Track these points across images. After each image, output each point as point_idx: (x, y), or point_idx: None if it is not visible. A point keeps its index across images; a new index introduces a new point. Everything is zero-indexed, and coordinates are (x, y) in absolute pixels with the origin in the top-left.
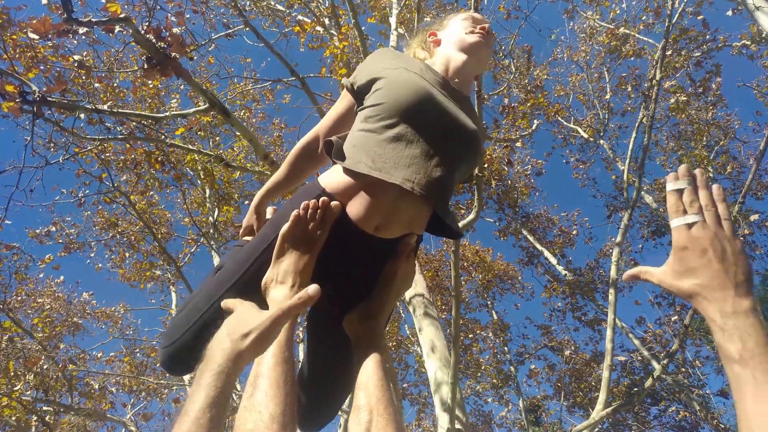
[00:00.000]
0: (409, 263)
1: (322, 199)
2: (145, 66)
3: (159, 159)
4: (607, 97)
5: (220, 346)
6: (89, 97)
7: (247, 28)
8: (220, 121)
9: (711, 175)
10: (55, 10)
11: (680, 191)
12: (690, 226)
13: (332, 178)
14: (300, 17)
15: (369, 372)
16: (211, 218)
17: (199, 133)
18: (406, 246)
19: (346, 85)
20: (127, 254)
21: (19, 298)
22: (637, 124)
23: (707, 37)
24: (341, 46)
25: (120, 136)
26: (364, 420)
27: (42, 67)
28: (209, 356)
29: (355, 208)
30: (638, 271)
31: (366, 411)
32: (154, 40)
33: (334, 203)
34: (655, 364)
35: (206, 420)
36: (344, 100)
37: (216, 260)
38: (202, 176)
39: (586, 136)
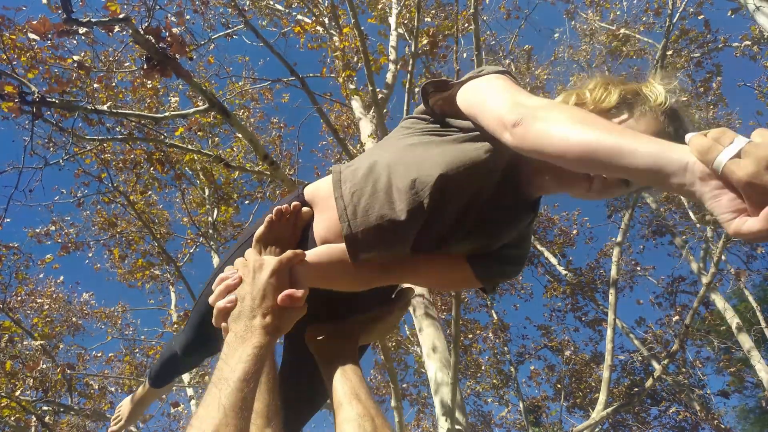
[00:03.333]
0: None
1: (293, 203)
2: (145, 66)
3: (160, 160)
4: None
5: None
6: (88, 98)
7: (246, 28)
8: (219, 121)
9: None
10: (55, 11)
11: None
12: (737, 155)
13: (316, 183)
14: (300, 17)
15: (355, 384)
16: (210, 218)
17: (198, 133)
18: (404, 302)
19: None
20: (126, 254)
21: (19, 298)
22: None
23: (708, 37)
24: (342, 46)
25: (119, 137)
26: (369, 429)
27: (41, 68)
28: None
29: (316, 227)
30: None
31: (368, 418)
32: (153, 41)
33: (305, 209)
34: (655, 364)
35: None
36: None
37: (216, 260)
38: (201, 176)
39: None
